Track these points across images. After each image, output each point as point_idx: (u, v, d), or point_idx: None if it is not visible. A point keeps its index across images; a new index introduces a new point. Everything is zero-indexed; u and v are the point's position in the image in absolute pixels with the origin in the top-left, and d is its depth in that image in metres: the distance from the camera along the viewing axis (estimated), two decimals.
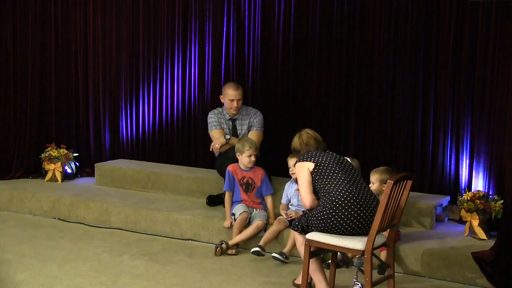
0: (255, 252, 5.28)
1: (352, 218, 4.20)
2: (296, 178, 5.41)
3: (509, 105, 5.12)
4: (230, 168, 5.68)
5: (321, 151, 4.62)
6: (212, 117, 6.27)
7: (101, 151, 7.35)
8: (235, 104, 6.13)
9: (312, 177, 4.44)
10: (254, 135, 6.12)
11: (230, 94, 6.15)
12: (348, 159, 4.68)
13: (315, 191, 4.43)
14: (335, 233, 4.23)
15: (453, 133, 5.80)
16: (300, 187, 4.53)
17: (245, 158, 5.63)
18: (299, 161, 4.60)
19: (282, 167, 6.06)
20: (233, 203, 5.68)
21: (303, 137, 4.77)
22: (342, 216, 4.20)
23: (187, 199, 6.40)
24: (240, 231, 5.48)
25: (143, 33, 7.03)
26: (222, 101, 6.26)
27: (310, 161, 4.50)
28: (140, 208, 6.09)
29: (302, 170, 4.50)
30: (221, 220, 5.70)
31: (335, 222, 4.21)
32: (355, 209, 4.20)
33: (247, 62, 6.62)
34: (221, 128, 6.23)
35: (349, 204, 4.21)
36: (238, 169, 5.68)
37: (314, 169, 4.44)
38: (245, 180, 5.66)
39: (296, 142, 4.80)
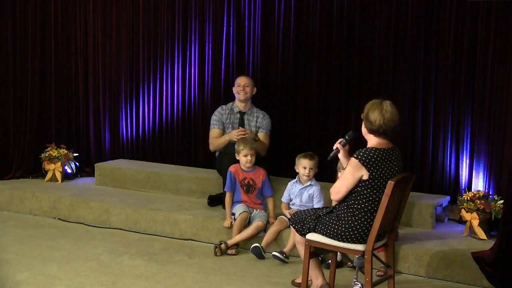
0: (254, 248, 5.26)
1: (364, 235, 4.10)
2: (305, 180, 5.39)
3: (509, 105, 5.12)
4: (231, 168, 5.67)
5: (388, 153, 4.08)
6: (216, 115, 6.24)
7: (101, 151, 7.35)
8: (241, 88, 6.12)
9: (356, 184, 4.06)
10: (262, 136, 6.12)
11: (239, 79, 6.19)
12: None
13: (347, 194, 4.12)
14: (342, 242, 4.16)
15: (453, 133, 5.80)
16: (341, 180, 4.11)
17: (242, 158, 5.63)
18: (359, 156, 3.98)
19: (282, 167, 6.06)
20: (233, 203, 5.68)
21: (386, 114, 3.96)
22: (358, 235, 4.10)
23: (187, 199, 6.40)
24: (240, 231, 5.48)
25: (143, 33, 7.03)
26: (233, 91, 6.23)
27: (368, 169, 3.97)
28: (140, 208, 6.09)
29: (355, 173, 4.02)
30: (221, 220, 5.70)
31: (349, 238, 4.12)
32: (369, 225, 4.09)
33: (247, 62, 6.62)
34: (221, 128, 6.21)
35: (368, 222, 4.08)
36: (240, 170, 5.67)
37: (365, 181, 4.02)
38: (246, 181, 5.65)
39: (376, 114, 3.99)
